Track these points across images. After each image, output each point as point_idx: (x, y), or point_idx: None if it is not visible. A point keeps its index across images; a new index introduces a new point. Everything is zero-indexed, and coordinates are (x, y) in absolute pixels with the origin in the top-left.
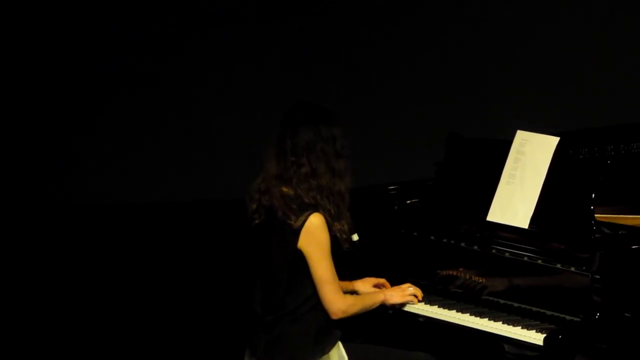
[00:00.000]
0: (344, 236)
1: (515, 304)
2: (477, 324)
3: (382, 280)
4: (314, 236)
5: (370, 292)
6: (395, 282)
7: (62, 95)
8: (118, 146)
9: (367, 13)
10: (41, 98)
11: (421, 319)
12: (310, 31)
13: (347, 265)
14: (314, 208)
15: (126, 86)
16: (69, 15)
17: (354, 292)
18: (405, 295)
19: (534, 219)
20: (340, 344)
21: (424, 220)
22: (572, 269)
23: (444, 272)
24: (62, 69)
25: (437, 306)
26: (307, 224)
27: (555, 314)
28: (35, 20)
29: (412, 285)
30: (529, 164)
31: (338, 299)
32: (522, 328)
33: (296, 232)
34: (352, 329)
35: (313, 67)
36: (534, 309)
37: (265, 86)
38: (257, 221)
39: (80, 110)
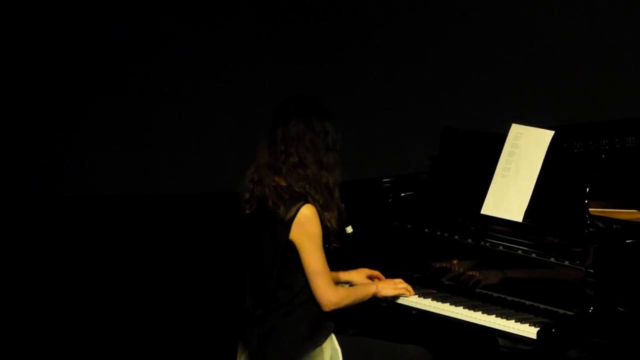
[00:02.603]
0: (334, 226)
1: (509, 298)
2: (471, 317)
3: (376, 273)
4: (306, 227)
5: (363, 284)
6: (389, 275)
7: (56, 87)
8: (111, 139)
9: (363, 9)
10: (37, 89)
11: (414, 312)
12: (306, 26)
13: (341, 258)
14: (305, 198)
15: (122, 79)
16: (61, 6)
17: (348, 283)
18: (397, 289)
19: (528, 213)
20: (333, 336)
21: (418, 213)
22: (566, 262)
23: (438, 265)
24: (56, 60)
25: (430, 299)
26: (298, 215)
27: (549, 307)
28: (26, 12)
29: (404, 282)
30: (523, 157)
31: (330, 291)
32: (515, 321)
33: (288, 223)
34: (345, 320)
35: (308, 60)
36: (528, 302)
37: (259, 80)
38: (247, 211)
39: (74, 103)
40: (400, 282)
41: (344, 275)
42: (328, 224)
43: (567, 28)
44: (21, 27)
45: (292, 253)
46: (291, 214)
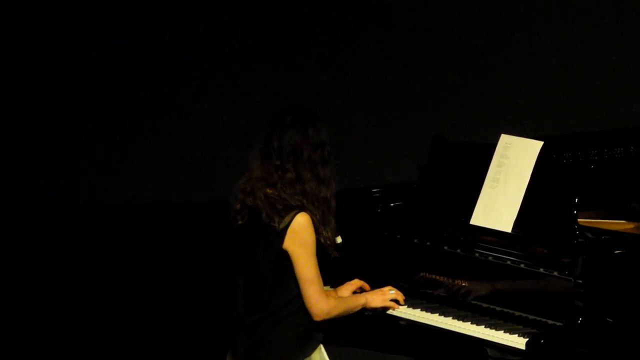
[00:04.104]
0: (329, 242)
1: (498, 308)
2: (460, 327)
3: (360, 283)
4: (300, 236)
5: (353, 295)
6: (378, 285)
7: (50, 96)
8: (104, 147)
9: (354, 16)
10: (30, 98)
11: (404, 322)
12: (298, 35)
13: (330, 268)
14: (300, 208)
15: (116, 87)
16: (56, 13)
17: None
18: (386, 300)
19: (517, 223)
20: (322, 347)
21: (407, 223)
22: (555, 273)
23: (427, 276)
24: (47, 70)
25: (419, 309)
26: (293, 223)
27: (538, 318)
28: (23, 18)
29: (393, 289)
30: (512, 168)
31: (321, 300)
32: (504, 332)
33: (282, 232)
34: (334, 331)
35: (300, 69)
36: (517, 313)
37: (253, 89)
38: (239, 222)
39: (68, 112)
40: (390, 291)
41: (330, 294)
42: (322, 240)
43: (566, 29)
44: (21, 32)
45: (285, 262)
46: (285, 223)
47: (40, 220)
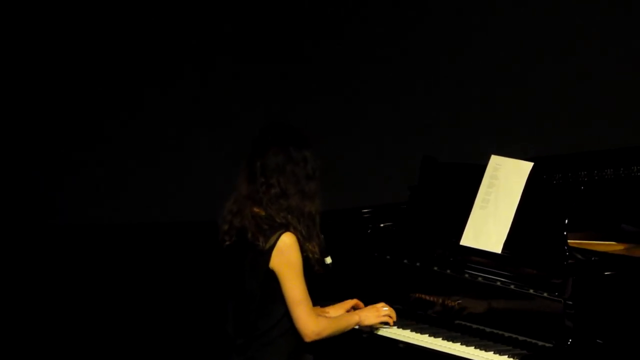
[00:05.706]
0: (316, 256)
1: (488, 329)
2: (450, 348)
3: (354, 302)
4: (286, 256)
5: (345, 313)
6: (368, 305)
7: (46, 120)
8: (99, 169)
9: (349, 40)
10: (25, 124)
11: (394, 344)
12: (290, 61)
13: (321, 289)
14: (286, 228)
15: (114, 110)
16: (58, 43)
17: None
18: (381, 316)
19: (507, 244)
20: None
21: (397, 243)
22: (545, 294)
23: (417, 296)
24: (46, 98)
25: (409, 330)
26: (279, 243)
27: (528, 339)
28: (27, 41)
29: (386, 305)
30: (502, 188)
31: (311, 321)
32: (494, 353)
33: (268, 252)
34: (323, 352)
35: (290, 92)
36: (507, 334)
37: (242, 112)
38: (227, 242)
39: (60, 134)
40: (383, 307)
41: (322, 313)
42: (310, 255)
43: (549, 59)
44: (26, 49)
45: (272, 282)
46: (271, 243)
47: (38, 237)
